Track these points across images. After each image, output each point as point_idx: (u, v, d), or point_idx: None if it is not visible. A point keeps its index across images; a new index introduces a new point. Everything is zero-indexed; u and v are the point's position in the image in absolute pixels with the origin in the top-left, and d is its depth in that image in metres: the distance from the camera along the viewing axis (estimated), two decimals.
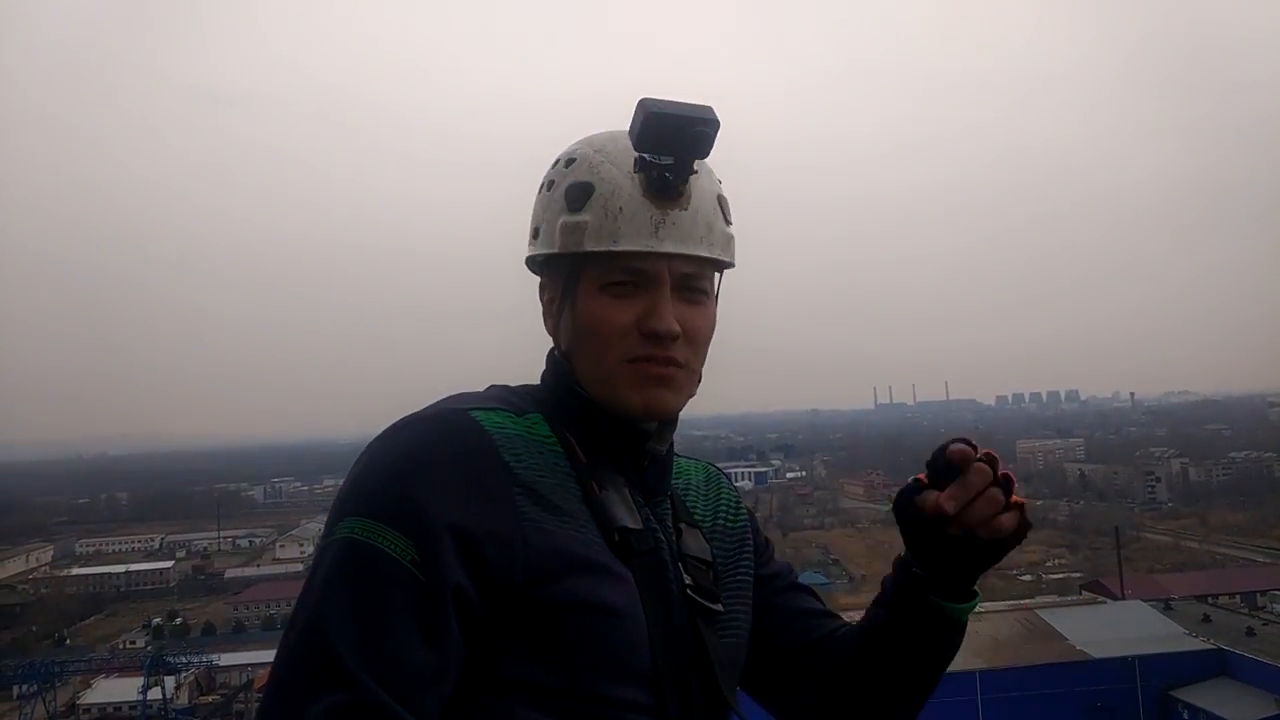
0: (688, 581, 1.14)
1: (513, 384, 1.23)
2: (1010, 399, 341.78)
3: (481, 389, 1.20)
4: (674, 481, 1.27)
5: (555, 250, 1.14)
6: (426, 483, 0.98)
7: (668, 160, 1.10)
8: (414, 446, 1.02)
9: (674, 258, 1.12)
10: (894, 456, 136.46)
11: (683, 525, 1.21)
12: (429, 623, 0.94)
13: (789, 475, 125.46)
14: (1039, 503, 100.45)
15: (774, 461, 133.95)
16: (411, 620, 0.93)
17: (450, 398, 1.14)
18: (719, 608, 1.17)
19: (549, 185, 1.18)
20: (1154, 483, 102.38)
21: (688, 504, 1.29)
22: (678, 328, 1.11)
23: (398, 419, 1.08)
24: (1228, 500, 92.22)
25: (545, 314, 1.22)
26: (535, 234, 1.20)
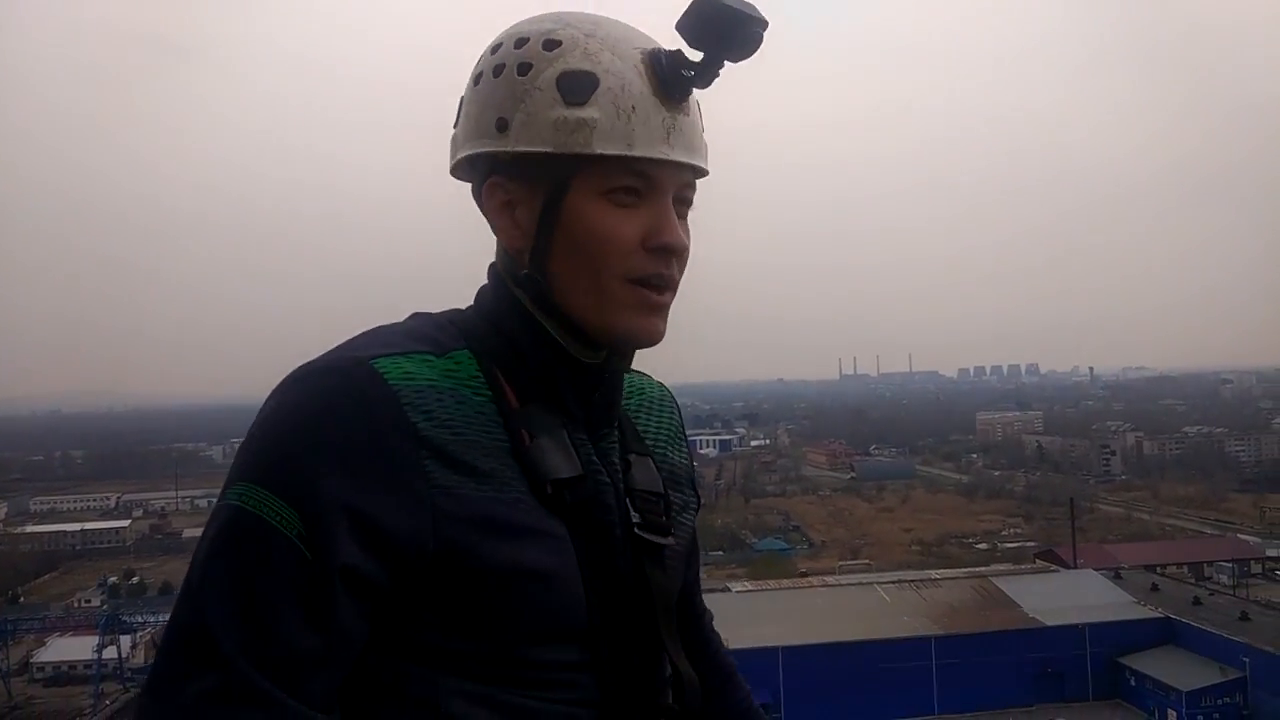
0: (635, 519, 1.06)
1: (436, 310, 1.10)
2: (972, 372, 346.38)
3: (403, 318, 1.09)
4: (626, 402, 1.19)
5: (547, 149, 0.98)
6: (317, 448, 0.89)
7: (685, 56, 0.99)
8: (305, 406, 0.92)
9: (680, 167, 1.02)
10: (857, 426, 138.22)
11: (632, 456, 1.12)
12: (313, 602, 0.87)
13: (753, 443, 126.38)
14: (996, 473, 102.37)
15: (738, 430, 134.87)
16: (292, 598, 0.86)
17: (362, 336, 1.01)
18: (669, 541, 1.10)
19: (522, 69, 1.00)
20: (1109, 455, 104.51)
21: (639, 426, 1.21)
22: (687, 241, 1.03)
23: (303, 364, 0.97)
24: (1179, 473, 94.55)
25: (499, 221, 1.05)
26: (501, 126, 1.01)
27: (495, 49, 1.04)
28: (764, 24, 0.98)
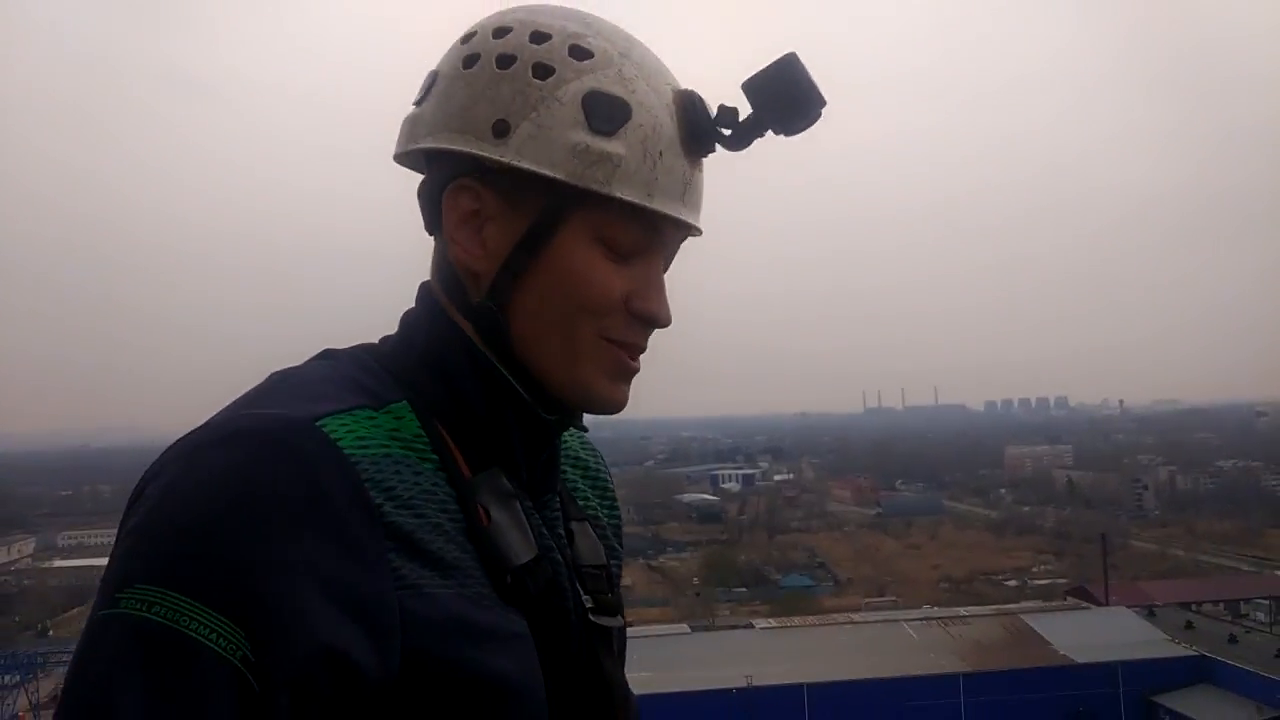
0: (589, 604, 0.93)
1: (347, 345, 0.93)
2: (999, 405, 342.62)
3: (312, 355, 0.91)
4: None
5: (558, 175, 0.83)
6: (266, 543, 0.69)
7: (729, 113, 0.90)
8: (245, 483, 0.71)
9: (685, 229, 0.91)
10: (882, 461, 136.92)
11: (573, 524, 0.98)
12: None
13: (776, 478, 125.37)
14: (1026, 509, 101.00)
15: (761, 464, 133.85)
16: None
17: (281, 385, 0.83)
18: (618, 622, 0.97)
19: (540, 70, 0.85)
20: (1141, 490, 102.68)
21: (569, 485, 1.06)
22: (671, 316, 0.91)
23: (209, 422, 0.77)
24: (1215, 508, 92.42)
25: (460, 234, 0.87)
26: (501, 130, 0.84)
27: (501, 33, 0.87)
28: (821, 110, 0.91)
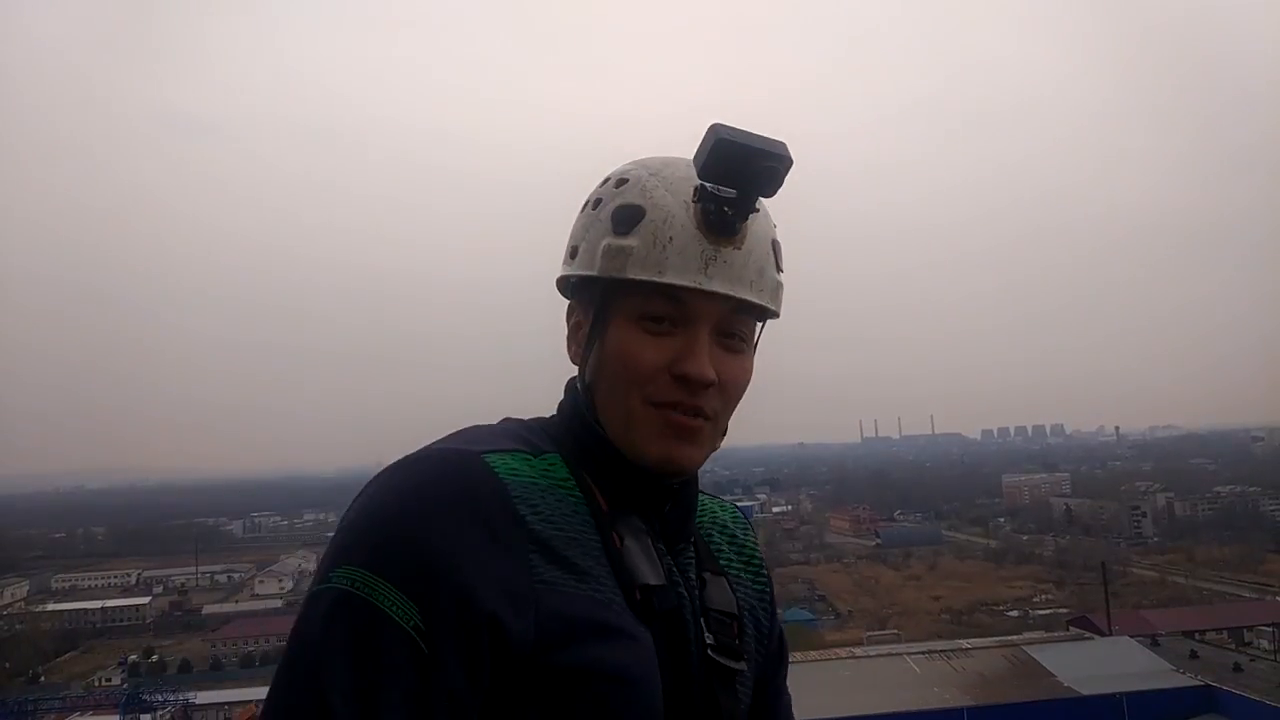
0: (709, 641, 1.07)
1: (525, 416, 1.16)
2: (996, 433, 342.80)
3: (495, 421, 1.13)
4: (699, 519, 1.21)
5: (594, 273, 1.06)
6: (435, 537, 0.90)
7: (729, 193, 1.02)
8: (423, 492, 0.93)
9: (719, 298, 1.04)
10: (880, 491, 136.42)
11: (706, 574, 1.14)
12: (425, 697, 0.86)
13: (775, 510, 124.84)
14: (1025, 538, 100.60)
15: (759, 496, 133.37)
16: (408, 692, 0.86)
17: (462, 433, 1.07)
18: (741, 666, 1.10)
19: (595, 204, 1.10)
20: (1140, 517, 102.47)
21: (713, 546, 1.23)
22: (713, 374, 1.03)
23: (408, 454, 1.00)
24: (1213, 535, 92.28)
25: (570, 339, 1.14)
26: (573, 254, 1.12)
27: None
28: (782, 160, 1.00)
